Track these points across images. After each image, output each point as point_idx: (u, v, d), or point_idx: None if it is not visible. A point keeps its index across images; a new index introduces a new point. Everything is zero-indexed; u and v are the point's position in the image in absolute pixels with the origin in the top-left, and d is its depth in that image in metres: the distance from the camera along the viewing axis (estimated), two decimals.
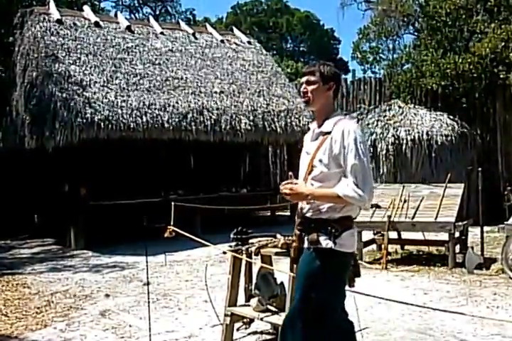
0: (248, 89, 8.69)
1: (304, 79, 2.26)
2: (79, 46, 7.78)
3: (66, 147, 6.93)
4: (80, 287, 4.91)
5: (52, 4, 8.43)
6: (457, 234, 5.41)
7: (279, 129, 8.39)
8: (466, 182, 6.33)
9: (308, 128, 2.38)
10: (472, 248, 5.19)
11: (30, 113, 7.89)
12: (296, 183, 2.17)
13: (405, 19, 10.89)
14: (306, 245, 2.18)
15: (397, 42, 11.54)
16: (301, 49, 26.22)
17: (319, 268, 2.16)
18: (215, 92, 8.24)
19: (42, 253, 7.01)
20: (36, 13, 8.14)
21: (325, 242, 2.13)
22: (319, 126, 2.25)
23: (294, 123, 8.59)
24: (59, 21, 8.03)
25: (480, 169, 5.65)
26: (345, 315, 2.40)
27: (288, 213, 9.37)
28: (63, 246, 7.26)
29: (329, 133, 2.17)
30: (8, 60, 9.37)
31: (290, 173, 2.25)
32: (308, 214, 2.17)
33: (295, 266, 2.37)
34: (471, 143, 8.71)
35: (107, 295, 4.56)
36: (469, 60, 8.73)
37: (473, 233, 6.00)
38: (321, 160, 2.13)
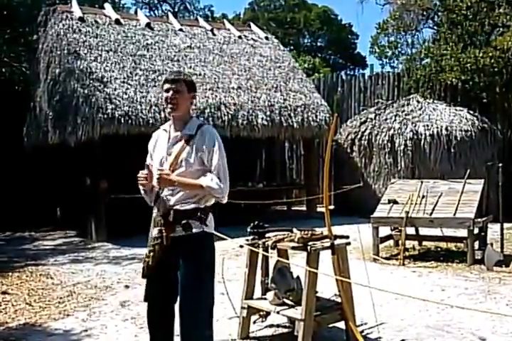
0: (265, 85, 8.69)
1: (169, 86, 2.46)
2: (100, 43, 7.91)
3: (87, 142, 7.09)
4: (101, 278, 5.03)
5: (74, 2, 8.58)
6: (476, 231, 5.33)
7: (295, 124, 8.38)
8: (485, 178, 6.22)
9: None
10: (491, 244, 5.12)
11: (53, 109, 8.09)
12: (167, 173, 2.43)
13: (424, 13, 10.70)
14: (179, 233, 2.42)
15: (416, 36, 11.37)
16: (318, 44, 25.98)
17: (201, 251, 2.45)
18: (233, 88, 8.27)
19: (64, 245, 7.18)
20: (59, 12, 8.31)
21: (198, 226, 2.44)
22: (179, 130, 2.50)
23: (310, 119, 8.57)
24: (81, 19, 8.17)
25: (500, 165, 5.56)
26: None
27: (304, 208, 9.38)
28: (84, 239, 7.42)
29: (193, 135, 2.45)
30: (32, 57, 9.59)
31: (147, 163, 2.55)
32: (176, 207, 2.44)
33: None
34: (492, 139, 8.54)
35: (127, 287, 4.66)
36: (490, 54, 8.52)
37: (493, 229, 5.91)
38: (186, 160, 2.43)
